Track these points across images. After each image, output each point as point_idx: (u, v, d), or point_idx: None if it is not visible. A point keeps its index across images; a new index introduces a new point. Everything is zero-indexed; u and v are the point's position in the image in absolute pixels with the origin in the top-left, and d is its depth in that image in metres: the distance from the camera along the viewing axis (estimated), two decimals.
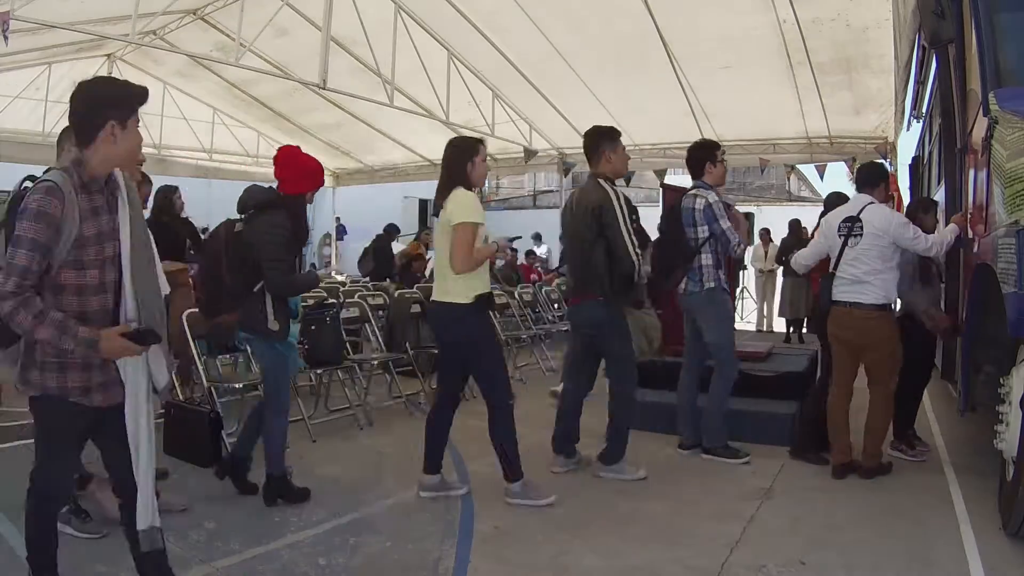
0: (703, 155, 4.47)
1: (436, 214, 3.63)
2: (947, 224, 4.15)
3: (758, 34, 6.83)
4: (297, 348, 3.82)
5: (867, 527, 3.34)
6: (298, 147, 3.66)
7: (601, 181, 3.95)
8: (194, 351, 4.42)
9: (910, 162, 8.48)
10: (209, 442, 3.96)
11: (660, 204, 8.19)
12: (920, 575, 2.89)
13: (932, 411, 5.56)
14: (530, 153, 10.34)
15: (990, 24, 3.49)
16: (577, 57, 7.87)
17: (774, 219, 11.68)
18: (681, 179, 7.99)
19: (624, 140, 4.14)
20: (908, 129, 8.09)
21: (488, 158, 3.86)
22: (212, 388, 4.41)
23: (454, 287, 3.50)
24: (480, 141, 3.68)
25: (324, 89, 6.85)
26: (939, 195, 5.22)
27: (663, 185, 8.20)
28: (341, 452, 4.50)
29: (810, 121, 8.44)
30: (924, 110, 7.16)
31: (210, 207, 9.79)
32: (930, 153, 6.67)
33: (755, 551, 3.06)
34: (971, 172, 3.82)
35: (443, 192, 3.55)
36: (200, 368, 4.41)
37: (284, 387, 3.57)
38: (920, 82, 6.67)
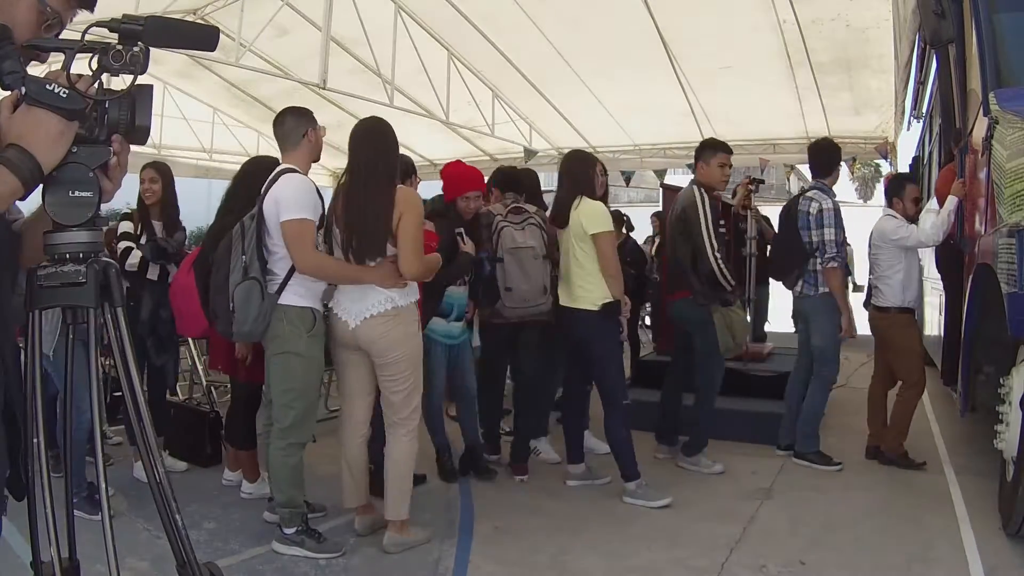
0: (835, 156, 4.49)
1: (558, 223, 3.80)
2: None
3: (758, 34, 6.82)
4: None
5: (867, 527, 3.34)
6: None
7: (695, 187, 4.14)
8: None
9: (910, 162, 8.48)
10: (209, 442, 3.98)
11: (660, 204, 8.20)
12: (920, 575, 2.89)
13: (932, 411, 5.56)
14: (530, 153, 10.32)
15: (990, 24, 3.49)
16: (577, 57, 7.84)
17: (774, 219, 11.64)
18: (681, 179, 7.97)
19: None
20: (908, 129, 8.09)
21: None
22: (211, 388, 4.41)
23: (582, 294, 3.64)
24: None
25: (324, 89, 6.84)
26: None
27: (663, 185, 8.18)
28: (341, 452, 4.48)
29: (810, 121, 8.42)
30: (924, 110, 7.16)
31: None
32: (930, 153, 6.67)
33: (755, 551, 3.06)
34: (971, 172, 3.82)
35: (567, 201, 3.72)
36: (200, 368, 4.41)
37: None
38: (920, 82, 6.67)
